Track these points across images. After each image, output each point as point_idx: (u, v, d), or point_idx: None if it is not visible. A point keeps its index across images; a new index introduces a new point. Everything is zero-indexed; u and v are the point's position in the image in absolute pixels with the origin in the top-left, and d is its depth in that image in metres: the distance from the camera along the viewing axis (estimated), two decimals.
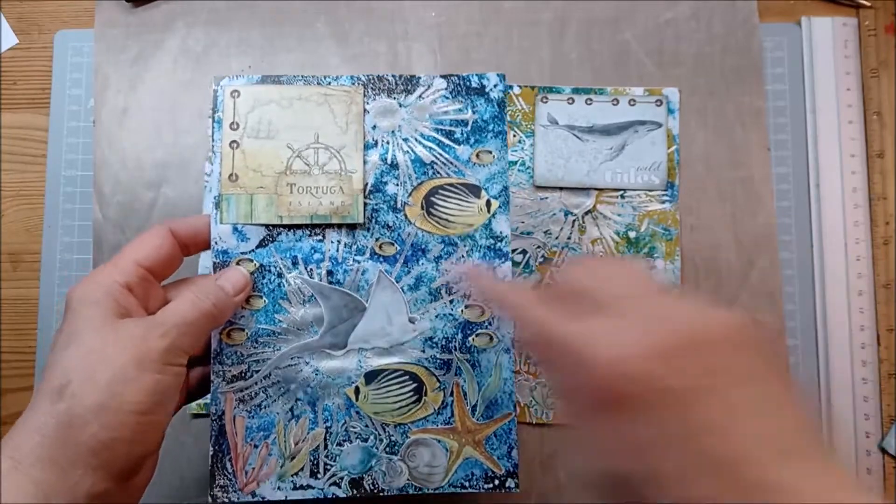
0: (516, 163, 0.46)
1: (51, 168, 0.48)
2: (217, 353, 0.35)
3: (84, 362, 0.29)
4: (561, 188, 0.46)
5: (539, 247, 0.46)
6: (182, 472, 0.43)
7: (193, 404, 0.43)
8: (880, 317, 0.45)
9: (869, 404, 0.44)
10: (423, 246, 0.35)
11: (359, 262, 0.35)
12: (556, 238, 0.46)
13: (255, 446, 0.34)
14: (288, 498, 0.34)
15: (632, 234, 0.46)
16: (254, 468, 0.34)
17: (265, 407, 0.34)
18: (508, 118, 0.47)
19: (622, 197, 0.46)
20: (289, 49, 0.48)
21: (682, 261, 0.45)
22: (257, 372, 0.35)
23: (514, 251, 0.45)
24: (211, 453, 0.34)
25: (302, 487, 0.34)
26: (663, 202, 0.46)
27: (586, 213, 0.46)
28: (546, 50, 0.48)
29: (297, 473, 0.34)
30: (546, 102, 0.47)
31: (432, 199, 0.36)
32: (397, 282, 0.35)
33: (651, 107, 0.46)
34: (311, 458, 0.34)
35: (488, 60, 0.47)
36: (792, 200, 0.47)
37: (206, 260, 0.44)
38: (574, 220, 0.46)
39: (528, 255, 0.45)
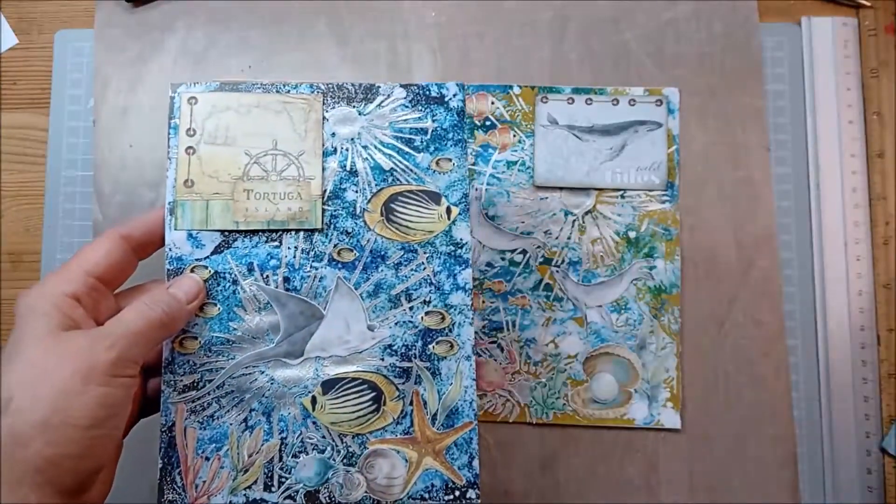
0: (516, 163, 0.46)
1: (51, 168, 0.48)
2: (168, 362, 0.34)
3: (27, 376, 0.28)
4: (561, 188, 0.46)
5: (539, 247, 0.46)
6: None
7: None
8: (880, 317, 0.45)
9: (869, 404, 0.44)
10: (382, 252, 0.35)
11: (316, 269, 0.35)
12: (556, 238, 0.46)
13: (207, 458, 0.33)
14: None
15: (632, 234, 0.46)
16: (204, 482, 0.33)
17: (218, 418, 0.34)
18: (509, 118, 0.47)
19: (622, 197, 0.46)
20: (289, 49, 0.48)
21: (682, 261, 0.45)
22: (210, 381, 0.34)
23: (513, 251, 0.45)
24: (160, 466, 0.33)
25: (255, 501, 0.33)
26: (663, 202, 0.46)
27: (586, 213, 0.46)
28: (546, 50, 0.48)
29: (250, 486, 0.33)
30: (546, 102, 0.47)
31: (392, 205, 0.35)
32: (356, 289, 0.35)
33: (651, 107, 0.46)
34: (266, 471, 0.33)
35: (488, 60, 0.47)
36: (792, 200, 0.47)
37: None
38: (574, 220, 0.46)
39: (528, 255, 0.45)
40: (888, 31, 0.47)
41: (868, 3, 0.47)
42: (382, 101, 0.36)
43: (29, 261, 0.47)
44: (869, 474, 0.44)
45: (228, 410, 0.34)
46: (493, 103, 0.47)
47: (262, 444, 0.34)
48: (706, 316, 0.45)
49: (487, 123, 0.47)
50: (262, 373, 0.34)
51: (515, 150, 0.46)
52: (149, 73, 0.48)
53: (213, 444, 0.33)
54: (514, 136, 0.46)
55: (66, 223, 0.47)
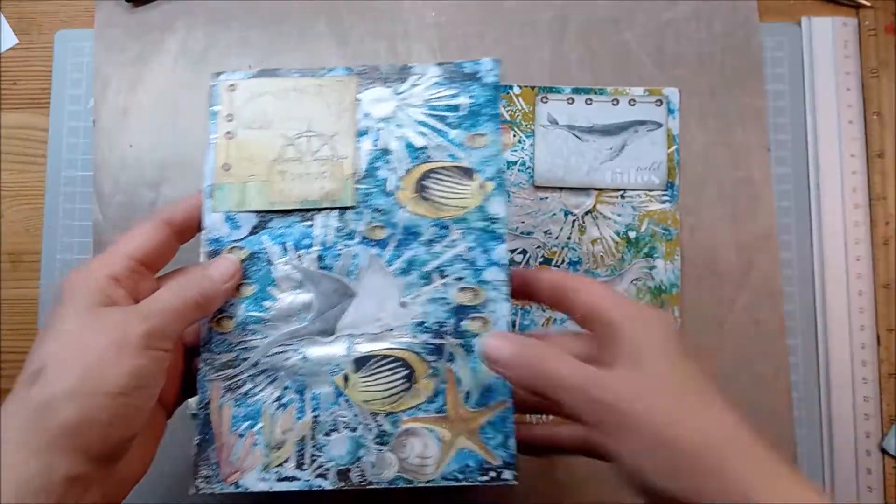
0: (516, 163, 0.46)
1: (51, 168, 0.48)
2: (206, 341, 0.34)
3: (61, 347, 0.29)
4: (561, 188, 0.46)
5: (539, 247, 0.46)
6: (178, 469, 0.43)
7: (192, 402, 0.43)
8: (880, 317, 0.45)
9: (869, 404, 0.44)
10: (414, 229, 0.35)
11: (349, 247, 0.35)
12: (556, 238, 0.46)
13: (241, 436, 0.34)
14: (272, 489, 0.33)
15: (632, 234, 0.46)
16: (238, 458, 0.33)
17: (252, 395, 0.34)
18: (508, 118, 0.47)
19: (622, 197, 0.46)
20: (289, 49, 0.48)
21: (682, 261, 0.45)
22: (245, 360, 0.34)
23: (513, 251, 0.45)
24: (196, 443, 0.34)
25: (287, 479, 0.33)
26: (663, 202, 0.46)
27: (586, 213, 0.46)
28: (546, 50, 0.48)
29: (282, 464, 0.33)
30: (546, 102, 0.47)
31: (424, 182, 0.35)
32: (388, 266, 0.35)
33: (651, 107, 0.46)
34: (298, 449, 0.34)
35: (488, 60, 0.47)
36: (792, 200, 0.47)
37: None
38: (574, 220, 0.46)
39: (528, 255, 0.45)
40: (888, 31, 0.47)
41: (868, 3, 0.47)
42: (417, 80, 0.37)
43: (29, 261, 0.47)
44: (869, 474, 0.44)
45: (263, 388, 0.34)
46: None
47: (296, 422, 0.34)
48: (706, 316, 0.45)
49: None
50: (296, 351, 0.34)
51: (515, 150, 0.46)
52: (149, 73, 0.48)
53: (248, 422, 0.34)
54: (514, 136, 0.46)
55: (66, 223, 0.47)
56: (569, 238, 0.46)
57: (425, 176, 0.35)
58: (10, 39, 0.49)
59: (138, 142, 0.47)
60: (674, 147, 0.46)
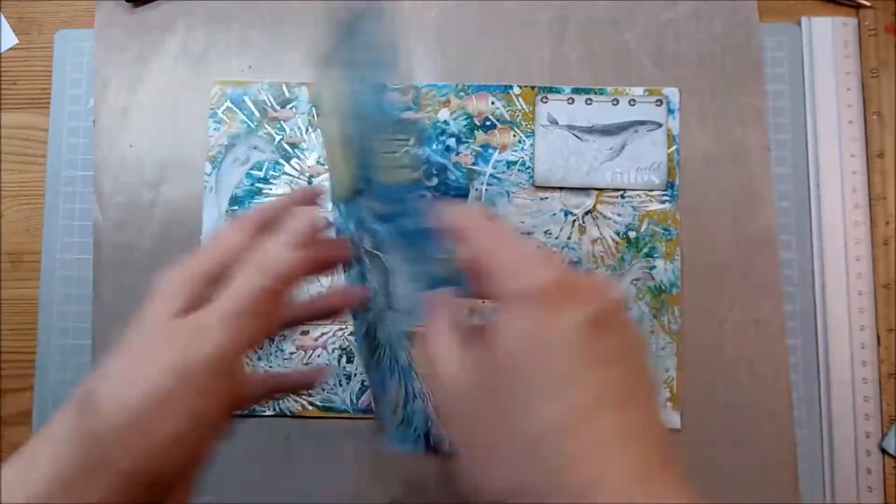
0: (516, 163, 0.46)
1: (51, 168, 0.48)
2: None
3: (120, 370, 0.25)
4: (561, 188, 0.46)
5: (539, 247, 0.46)
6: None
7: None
8: (880, 317, 0.45)
9: (869, 404, 0.44)
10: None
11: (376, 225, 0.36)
12: (556, 238, 0.46)
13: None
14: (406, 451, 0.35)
15: (632, 234, 0.46)
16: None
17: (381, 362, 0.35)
18: (509, 118, 0.47)
19: (622, 197, 0.46)
20: (289, 49, 0.48)
21: (682, 261, 0.45)
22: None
23: None
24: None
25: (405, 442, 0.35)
26: (663, 202, 0.46)
27: (586, 213, 0.46)
28: (546, 50, 0.48)
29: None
30: (546, 102, 0.47)
31: None
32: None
33: (651, 107, 0.46)
34: (404, 414, 0.35)
35: (488, 60, 0.47)
36: (792, 200, 0.47)
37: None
38: (574, 220, 0.46)
39: None
40: (888, 31, 0.47)
41: (868, 3, 0.47)
42: None
43: (29, 261, 0.47)
44: (869, 474, 0.44)
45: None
46: (493, 103, 0.47)
47: (399, 389, 0.35)
48: (706, 316, 0.45)
49: (487, 123, 0.47)
50: (385, 324, 0.35)
51: (515, 150, 0.46)
52: (149, 73, 0.48)
53: (380, 386, 0.35)
54: (514, 136, 0.46)
55: (66, 223, 0.47)
56: (569, 238, 0.46)
57: None
58: (10, 39, 0.49)
59: (138, 142, 0.47)
60: (674, 147, 0.46)
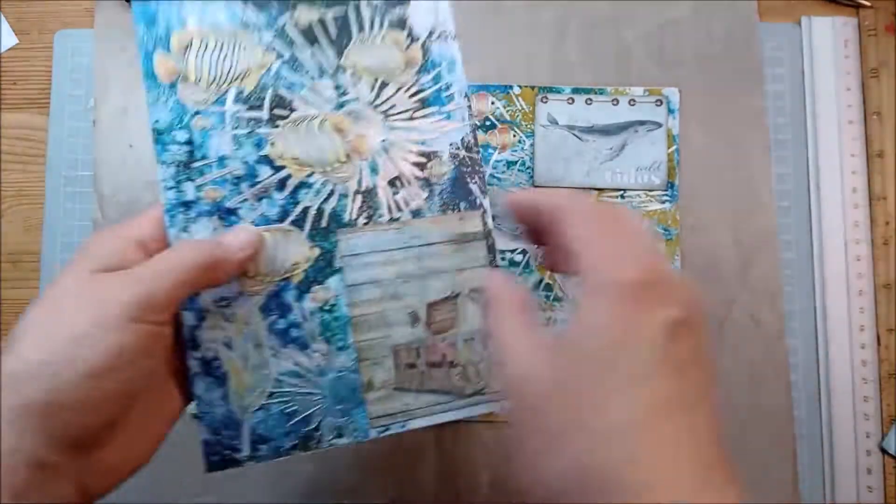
0: (516, 163, 0.46)
1: (51, 168, 0.48)
2: None
3: (43, 314, 0.26)
4: (561, 188, 0.46)
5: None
6: (181, 472, 0.43)
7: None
8: (880, 317, 0.45)
9: (869, 404, 0.44)
10: None
11: None
12: None
13: None
14: None
15: None
16: None
17: None
18: (509, 118, 0.47)
19: (622, 197, 0.46)
20: None
21: (682, 261, 0.45)
22: None
23: (514, 251, 0.45)
24: None
25: None
26: (663, 202, 0.46)
27: None
28: (546, 50, 0.48)
29: None
30: (546, 102, 0.47)
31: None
32: None
33: (651, 107, 0.46)
34: None
35: (488, 60, 0.47)
36: (792, 200, 0.47)
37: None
38: None
39: (528, 255, 0.45)
40: (888, 30, 0.47)
41: (868, 3, 0.47)
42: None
43: (29, 261, 0.47)
44: (869, 474, 0.44)
45: None
46: (493, 103, 0.47)
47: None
48: (706, 316, 0.45)
49: (487, 123, 0.47)
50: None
51: (515, 150, 0.46)
52: None
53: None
54: (514, 136, 0.46)
55: (66, 223, 0.47)
56: None
57: None
58: (10, 39, 0.49)
59: (138, 142, 0.47)
60: (674, 147, 0.46)
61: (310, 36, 0.33)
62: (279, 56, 0.33)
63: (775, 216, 0.46)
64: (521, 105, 0.47)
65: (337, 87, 0.33)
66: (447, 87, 0.34)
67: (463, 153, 0.34)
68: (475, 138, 0.34)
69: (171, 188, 0.32)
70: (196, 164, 0.32)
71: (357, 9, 0.34)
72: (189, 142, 0.32)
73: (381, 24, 0.34)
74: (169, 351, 0.30)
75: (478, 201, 0.34)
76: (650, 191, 0.46)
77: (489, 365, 0.34)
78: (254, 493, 0.44)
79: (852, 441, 0.44)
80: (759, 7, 0.48)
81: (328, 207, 0.33)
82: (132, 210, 0.46)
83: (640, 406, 0.22)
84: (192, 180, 0.32)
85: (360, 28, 0.34)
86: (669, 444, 0.22)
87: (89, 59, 0.48)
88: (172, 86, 0.32)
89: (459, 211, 0.34)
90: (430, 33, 0.34)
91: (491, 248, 0.34)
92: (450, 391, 0.34)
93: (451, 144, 0.34)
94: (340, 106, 0.33)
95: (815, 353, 0.45)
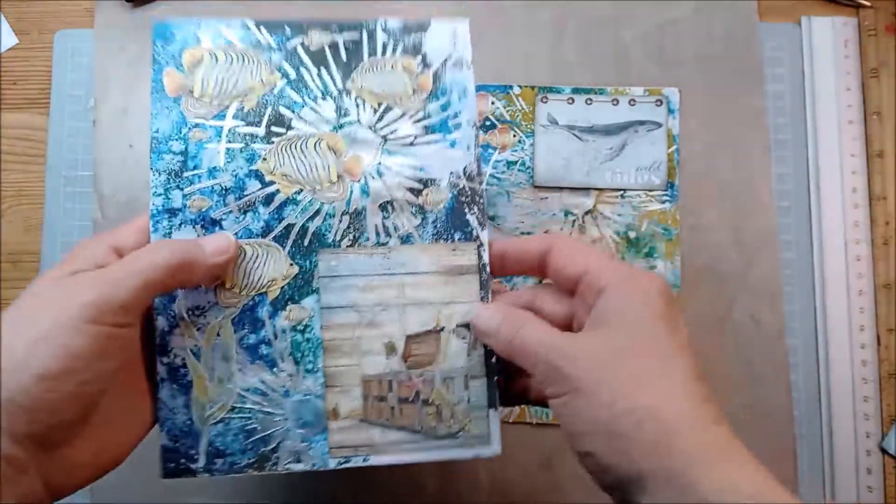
0: (516, 163, 0.46)
1: (51, 168, 0.48)
2: None
3: (11, 315, 0.26)
4: (561, 188, 0.46)
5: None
6: None
7: None
8: (880, 317, 0.45)
9: (869, 404, 0.44)
10: None
11: None
12: None
13: None
14: None
15: (632, 234, 0.46)
16: None
17: None
18: (509, 118, 0.47)
19: (622, 197, 0.46)
20: None
21: (682, 261, 0.45)
22: None
23: None
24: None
25: None
26: (663, 202, 0.46)
27: (586, 213, 0.46)
28: (546, 50, 0.48)
29: None
30: (546, 102, 0.47)
31: None
32: None
33: (651, 107, 0.46)
34: None
35: (488, 60, 0.47)
36: (792, 200, 0.47)
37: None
38: (574, 220, 0.46)
39: None
40: (888, 30, 0.47)
41: (868, 3, 0.47)
42: None
43: (29, 261, 0.47)
44: (869, 474, 0.44)
45: None
46: (493, 103, 0.47)
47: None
48: (706, 316, 0.45)
49: (487, 123, 0.47)
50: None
51: (515, 150, 0.46)
52: (149, 73, 0.47)
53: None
54: (514, 136, 0.46)
55: (66, 223, 0.47)
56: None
57: None
58: (10, 39, 0.49)
59: (138, 142, 0.47)
60: (674, 147, 0.46)
61: (319, 58, 0.33)
62: (285, 76, 0.33)
63: (775, 216, 0.46)
64: (520, 105, 0.47)
65: (338, 109, 0.33)
66: (455, 115, 0.34)
67: (463, 182, 0.33)
68: (479, 168, 0.34)
69: (159, 195, 0.32)
70: (187, 174, 0.32)
71: (372, 34, 0.34)
72: (183, 152, 0.33)
73: (395, 50, 0.34)
74: (137, 354, 0.30)
75: (474, 233, 0.33)
76: (650, 191, 0.46)
77: (468, 408, 0.33)
78: (249, 494, 0.44)
79: (852, 441, 0.44)
80: (759, 7, 0.48)
81: (312, 226, 0.33)
82: (132, 210, 0.46)
83: (666, 358, 0.27)
84: (180, 189, 0.32)
85: (372, 53, 0.34)
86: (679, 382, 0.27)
87: (89, 59, 0.48)
88: (177, 99, 0.33)
89: (453, 241, 0.33)
90: (445, 60, 0.34)
91: (484, 284, 0.33)
92: (419, 430, 0.33)
93: (451, 173, 0.33)
94: (339, 127, 0.33)
95: (815, 353, 0.45)
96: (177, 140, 0.33)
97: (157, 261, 0.28)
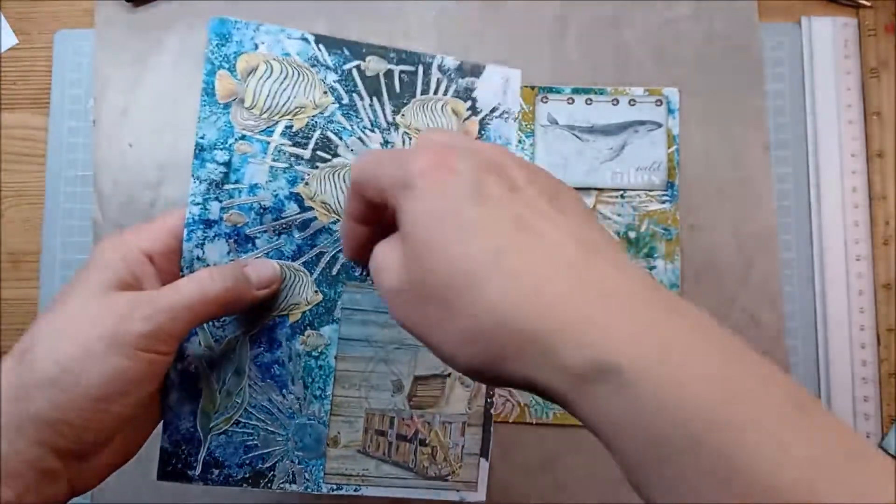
0: None
1: (51, 168, 0.48)
2: None
3: (54, 329, 0.27)
4: None
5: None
6: None
7: None
8: (880, 317, 0.45)
9: (869, 404, 0.44)
10: None
11: None
12: None
13: None
14: None
15: (632, 234, 0.46)
16: None
17: None
18: None
19: (622, 197, 0.46)
20: None
21: (682, 261, 0.45)
22: None
23: None
24: None
25: None
26: (663, 202, 0.46)
27: None
28: (546, 50, 0.48)
29: None
30: (546, 102, 0.47)
31: None
32: None
33: (651, 107, 0.46)
34: None
35: (488, 60, 0.47)
36: (792, 200, 0.47)
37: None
38: None
39: None
40: (888, 30, 0.47)
41: (868, 3, 0.47)
42: None
43: (29, 261, 0.47)
44: None
45: None
46: None
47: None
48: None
49: None
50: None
51: (515, 150, 0.46)
52: (149, 73, 0.47)
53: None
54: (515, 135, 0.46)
55: (66, 223, 0.47)
56: None
57: None
58: (10, 39, 0.49)
59: (138, 142, 0.47)
60: (674, 147, 0.46)
61: (373, 85, 0.33)
62: (337, 100, 0.33)
63: (775, 216, 0.46)
64: (521, 105, 0.47)
65: (385, 143, 0.33)
66: None
67: None
68: None
69: (197, 204, 0.32)
70: (227, 187, 0.32)
71: (427, 70, 0.34)
72: (227, 163, 0.32)
73: (447, 91, 0.34)
74: None
75: None
76: (650, 191, 0.46)
77: (460, 454, 0.34)
78: (253, 496, 0.44)
79: None
80: (759, 7, 0.48)
81: (343, 257, 0.33)
82: (132, 210, 0.46)
83: (483, 248, 0.21)
84: (219, 200, 0.32)
85: (425, 90, 0.34)
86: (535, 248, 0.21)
87: (89, 59, 0.48)
88: (227, 106, 0.32)
89: None
90: (493, 110, 0.34)
91: None
92: (412, 468, 0.33)
93: None
94: None
95: (815, 353, 0.45)
96: (222, 150, 0.32)
97: (209, 296, 0.28)
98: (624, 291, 0.20)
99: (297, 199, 0.33)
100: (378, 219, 0.27)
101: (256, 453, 0.32)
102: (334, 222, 0.33)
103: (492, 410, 0.34)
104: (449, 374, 0.33)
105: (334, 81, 0.33)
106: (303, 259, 0.33)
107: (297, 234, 0.33)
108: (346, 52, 0.33)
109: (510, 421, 0.44)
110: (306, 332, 0.33)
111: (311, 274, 0.33)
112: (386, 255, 0.24)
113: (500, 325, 0.20)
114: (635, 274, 0.21)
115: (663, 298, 0.21)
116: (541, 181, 0.24)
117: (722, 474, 0.17)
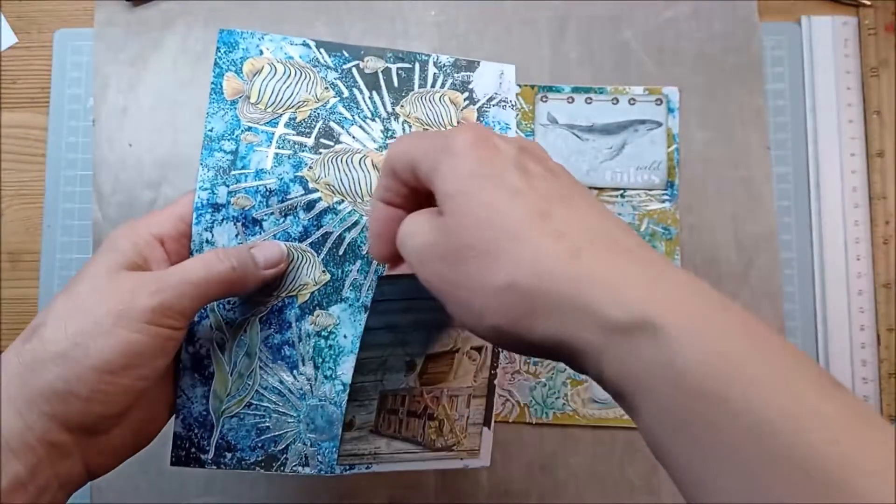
0: None
1: (51, 168, 0.48)
2: None
3: (65, 307, 0.27)
4: None
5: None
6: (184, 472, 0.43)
7: None
8: (880, 317, 0.45)
9: (869, 404, 0.44)
10: None
11: None
12: None
13: None
14: None
15: None
16: None
17: None
18: None
19: (622, 196, 0.46)
20: None
21: (682, 261, 0.45)
22: None
23: None
24: None
25: None
26: (663, 201, 0.46)
27: None
28: (546, 49, 0.48)
29: None
30: (546, 102, 0.47)
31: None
32: None
33: (651, 106, 0.46)
34: None
35: (488, 59, 0.47)
36: (792, 200, 0.47)
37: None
38: None
39: None
40: (888, 30, 0.47)
41: (868, 3, 0.47)
42: None
43: (29, 261, 0.47)
44: None
45: None
46: None
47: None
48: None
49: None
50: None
51: None
52: (149, 73, 0.47)
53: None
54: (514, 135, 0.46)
55: (66, 223, 0.47)
56: None
57: None
58: (10, 39, 0.49)
59: (138, 141, 0.47)
60: (674, 146, 0.46)
61: (372, 81, 0.35)
62: (338, 94, 0.35)
63: (775, 216, 0.46)
64: (520, 104, 0.47)
65: (385, 130, 0.35)
66: None
67: None
68: None
69: (205, 189, 0.33)
70: (234, 172, 0.33)
71: (423, 67, 0.35)
72: (233, 152, 0.33)
73: (443, 85, 0.36)
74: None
75: None
76: (650, 190, 0.46)
77: (465, 424, 0.34)
78: (255, 493, 0.44)
79: None
80: (759, 7, 0.48)
81: (349, 237, 0.34)
82: (132, 210, 0.46)
83: (522, 211, 0.22)
84: (226, 185, 0.33)
85: (422, 83, 0.35)
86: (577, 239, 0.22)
87: (89, 59, 0.48)
88: (234, 102, 0.34)
89: None
90: (490, 99, 0.36)
91: None
92: (420, 442, 0.34)
93: None
94: (385, 147, 0.35)
95: (815, 353, 0.45)
96: (229, 140, 0.34)
97: (215, 275, 0.29)
98: (660, 262, 0.22)
99: (302, 181, 0.34)
100: (405, 203, 0.27)
101: (269, 436, 0.33)
102: (339, 202, 0.34)
103: (494, 382, 0.34)
104: (458, 350, 0.34)
105: (335, 79, 0.35)
106: (309, 240, 0.33)
107: (302, 216, 0.33)
108: (346, 54, 0.35)
109: (510, 421, 0.44)
110: (315, 313, 0.33)
111: (319, 254, 0.33)
112: (415, 220, 0.25)
113: (540, 278, 0.21)
114: (661, 255, 0.23)
115: (692, 277, 0.23)
116: (570, 176, 0.26)
117: (754, 432, 0.18)
